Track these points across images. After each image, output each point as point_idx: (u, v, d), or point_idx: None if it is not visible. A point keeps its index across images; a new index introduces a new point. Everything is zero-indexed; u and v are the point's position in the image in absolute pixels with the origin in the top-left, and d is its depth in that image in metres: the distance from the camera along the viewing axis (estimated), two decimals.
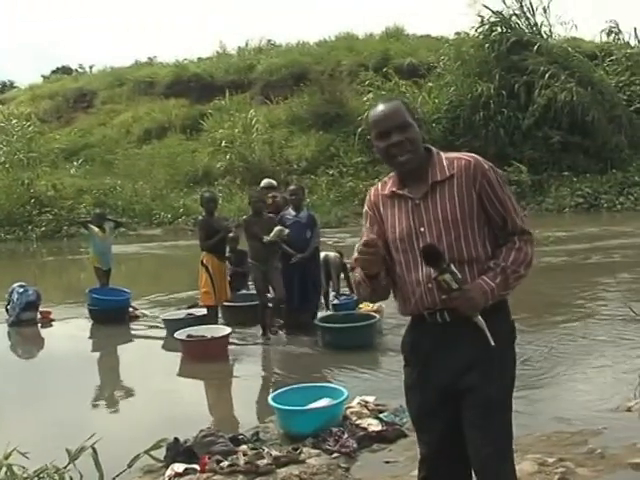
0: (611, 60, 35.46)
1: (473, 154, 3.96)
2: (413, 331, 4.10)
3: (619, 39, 37.00)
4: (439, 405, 3.95)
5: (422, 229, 3.88)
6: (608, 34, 37.24)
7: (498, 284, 3.79)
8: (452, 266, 3.70)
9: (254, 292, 13.90)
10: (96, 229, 14.91)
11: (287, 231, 11.72)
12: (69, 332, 13.67)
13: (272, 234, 11.57)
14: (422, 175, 3.91)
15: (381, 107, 3.95)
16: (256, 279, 12.16)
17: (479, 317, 3.73)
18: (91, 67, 58.94)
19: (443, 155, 3.97)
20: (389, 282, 4.07)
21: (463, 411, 3.88)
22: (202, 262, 12.13)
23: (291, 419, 7.41)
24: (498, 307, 3.88)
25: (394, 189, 4.01)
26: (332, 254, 13.18)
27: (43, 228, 31.38)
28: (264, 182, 14.57)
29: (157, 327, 13.29)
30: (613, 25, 36.89)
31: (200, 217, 12.51)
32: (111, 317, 13.77)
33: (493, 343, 3.71)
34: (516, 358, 4.06)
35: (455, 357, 3.87)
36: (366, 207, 4.22)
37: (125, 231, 29.79)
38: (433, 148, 4.02)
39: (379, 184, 4.19)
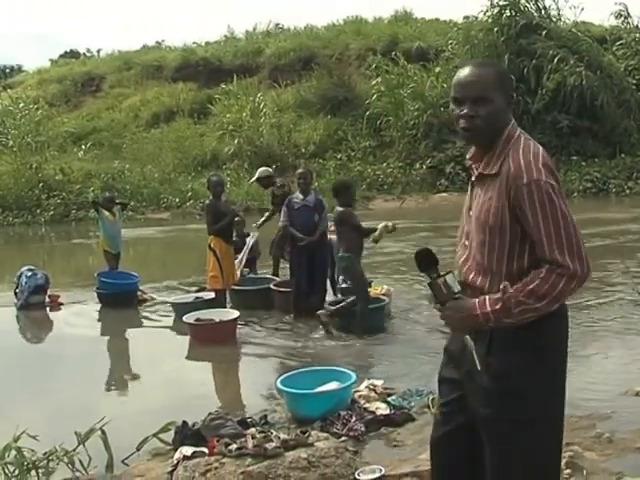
0: (620, 44, 35.27)
1: (526, 159, 3.45)
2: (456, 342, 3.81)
3: (628, 23, 36.79)
4: (455, 411, 3.75)
5: (471, 212, 3.64)
6: (617, 17, 37.03)
7: (496, 310, 3.38)
8: (449, 277, 3.45)
9: (262, 276, 13.97)
10: (106, 212, 14.91)
11: (391, 224, 11.50)
12: (78, 315, 13.67)
13: (377, 232, 11.36)
14: (486, 157, 3.59)
15: (465, 71, 3.60)
16: (356, 271, 11.69)
17: (467, 337, 3.47)
18: (99, 51, 58.95)
19: (512, 145, 3.54)
20: None
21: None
22: (210, 246, 12.12)
23: (299, 402, 7.43)
24: (517, 330, 3.43)
25: (469, 156, 3.76)
26: (335, 237, 13.11)
27: (51, 212, 31.34)
28: (264, 171, 14.63)
29: (165, 311, 13.31)
30: (622, 8, 36.69)
31: (207, 201, 12.45)
32: (120, 301, 13.78)
33: (479, 367, 3.43)
34: (548, 389, 3.56)
35: (464, 368, 3.62)
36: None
37: (133, 215, 29.84)
38: (507, 132, 3.59)
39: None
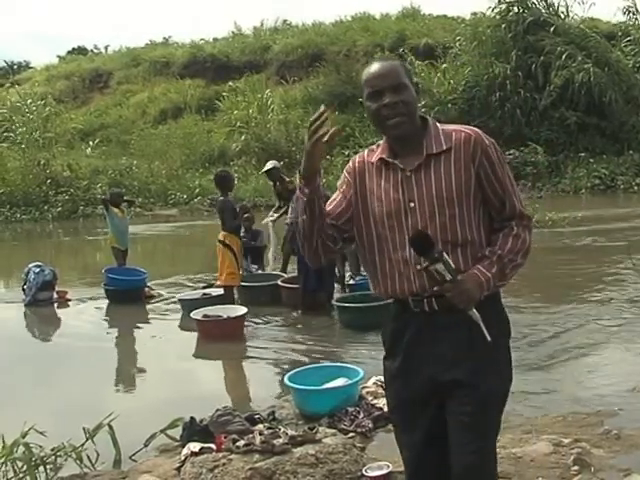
0: (628, 40, 35.23)
1: (473, 127, 3.63)
2: (396, 319, 3.75)
3: (637, 19, 36.72)
4: (423, 401, 3.63)
5: (412, 204, 3.53)
6: (625, 13, 36.97)
7: (494, 274, 3.46)
8: (445, 254, 3.36)
9: (270, 272, 14.00)
10: (115, 209, 14.93)
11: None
12: (85, 312, 13.70)
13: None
14: (415, 145, 3.56)
15: (376, 65, 3.62)
16: None
17: (474, 310, 3.39)
18: (106, 47, 59.20)
19: (440, 126, 3.62)
20: (334, 236, 3.70)
21: (449, 408, 3.57)
22: (224, 243, 12.06)
23: (307, 399, 7.43)
24: (492, 298, 3.56)
25: (383, 156, 3.66)
26: None
27: (59, 208, 31.47)
28: (274, 162, 14.79)
29: (173, 307, 13.32)
30: (631, 4, 36.62)
31: (221, 197, 12.34)
32: (127, 297, 13.82)
33: (489, 338, 3.37)
34: (511, 355, 3.69)
35: (442, 349, 3.53)
36: (345, 172, 3.87)
37: (141, 211, 29.92)
38: (429, 117, 3.67)
39: (365, 151, 3.86)
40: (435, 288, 3.41)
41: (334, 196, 3.85)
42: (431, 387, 3.59)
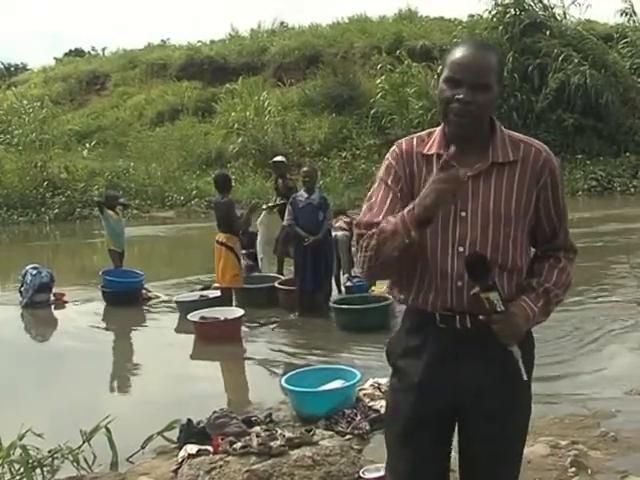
0: (625, 42, 35.29)
1: (542, 144, 3.29)
2: (413, 333, 3.40)
3: (634, 21, 36.78)
4: (435, 421, 3.35)
5: (463, 214, 3.18)
6: (622, 15, 37.02)
7: (540, 308, 3.19)
8: (499, 285, 3.07)
9: (267, 274, 14.01)
10: (110, 211, 14.93)
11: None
12: (82, 314, 13.69)
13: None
14: (478, 148, 3.21)
15: (469, 51, 3.19)
16: None
17: (516, 347, 3.11)
18: (104, 49, 59.11)
19: (507, 133, 3.28)
20: (415, 258, 3.23)
21: (473, 437, 3.35)
22: (226, 245, 12.03)
23: (304, 401, 7.44)
24: (529, 334, 3.30)
25: (441, 152, 3.21)
26: (340, 233, 13.06)
27: (56, 210, 31.43)
28: (283, 157, 14.99)
29: (170, 309, 13.32)
30: (628, 6, 36.68)
31: (224, 198, 12.26)
32: (124, 299, 13.81)
33: (526, 377, 3.15)
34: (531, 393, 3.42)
35: (469, 373, 3.25)
36: (392, 160, 3.37)
37: (138, 213, 29.93)
38: (497, 122, 3.29)
39: (414, 139, 3.38)
40: (481, 317, 3.10)
41: (385, 192, 3.35)
42: (449, 410, 3.35)
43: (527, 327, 3.19)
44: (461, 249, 3.21)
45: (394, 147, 3.41)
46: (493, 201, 3.17)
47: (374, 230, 3.21)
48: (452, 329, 3.24)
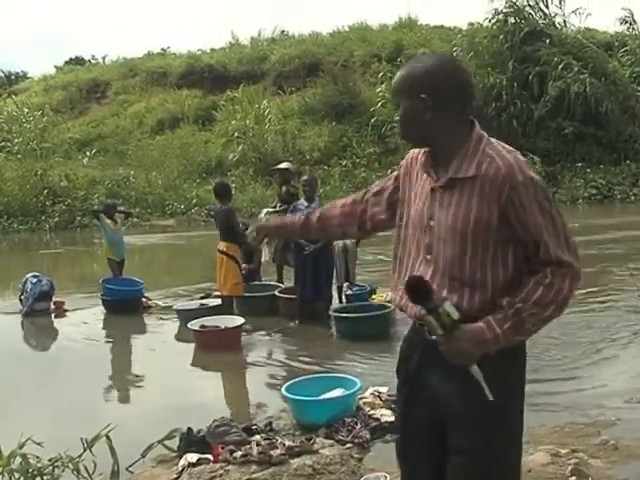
0: (625, 50, 35.34)
1: (514, 157, 3.17)
2: (406, 339, 3.56)
3: (633, 29, 36.84)
4: (426, 434, 3.41)
5: (432, 223, 3.26)
6: (622, 23, 37.08)
7: (506, 330, 3.08)
8: (446, 304, 3.04)
9: (267, 283, 14.01)
10: (108, 220, 14.94)
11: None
12: (82, 322, 13.67)
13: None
14: (448, 162, 3.25)
15: (400, 71, 3.41)
16: None
17: (475, 366, 3.09)
18: (104, 58, 59.23)
19: (482, 147, 3.24)
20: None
21: (448, 452, 3.32)
22: (227, 253, 12.01)
23: (304, 409, 7.43)
24: (510, 352, 3.22)
25: (423, 160, 3.39)
26: (349, 242, 13.07)
27: (56, 219, 31.47)
28: (289, 165, 15.09)
29: (170, 317, 13.31)
30: (627, 15, 36.73)
31: (224, 206, 12.23)
32: (124, 307, 13.80)
33: (491, 398, 3.08)
34: (523, 409, 3.38)
35: (440, 384, 3.30)
36: (402, 162, 3.61)
37: (138, 222, 29.94)
38: (474, 135, 3.30)
39: (423, 149, 3.49)
40: (431, 337, 3.12)
41: (384, 180, 3.75)
42: (433, 419, 3.37)
43: (486, 348, 3.10)
44: (429, 257, 3.31)
45: (410, 153, 3.60)
46: (452, 216, 3.20)
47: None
48: (427, 339, 3.21)
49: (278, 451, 6.02)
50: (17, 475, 5.86)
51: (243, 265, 12.88)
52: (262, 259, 14.27)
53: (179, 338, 12.07)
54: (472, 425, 3.21)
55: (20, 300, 14.49)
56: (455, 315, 3.05)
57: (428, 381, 3.35)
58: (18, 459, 5.87)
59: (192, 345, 11.20)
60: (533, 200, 3.11)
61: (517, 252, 3.20)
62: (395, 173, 3.64)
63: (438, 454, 3.37)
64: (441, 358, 3.15)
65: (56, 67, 59.13)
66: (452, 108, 3.27)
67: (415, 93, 3.23)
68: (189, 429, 6.78)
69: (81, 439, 6.26)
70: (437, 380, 3.30)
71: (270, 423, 7.29)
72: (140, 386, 10.06)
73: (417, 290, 3.07)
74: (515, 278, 3.19)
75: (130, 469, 6.56)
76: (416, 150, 3.51)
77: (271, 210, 14.88)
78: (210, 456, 6.22)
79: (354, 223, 3.77)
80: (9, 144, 35.71)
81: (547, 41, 33.01)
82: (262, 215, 14.84)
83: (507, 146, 3.25)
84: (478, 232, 3.15)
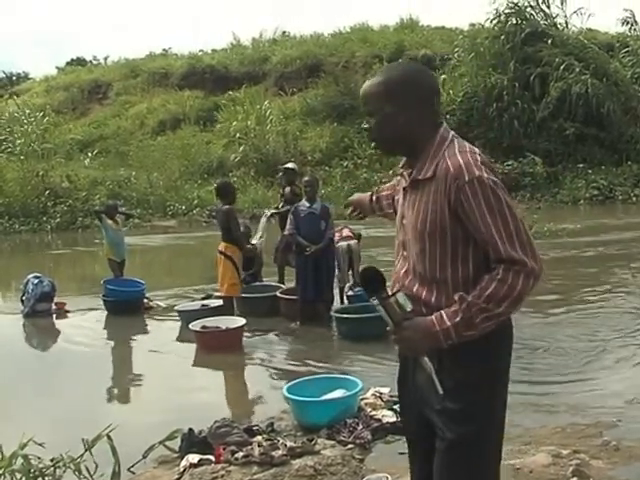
0: (627, 51, 35.34)
1: (465, 157, 3.23)
2: None
3: (635, 30, 36.84)
4: (418, 426, 3.53)
5: (404, 221, 3.44)
6: (624, 24, 37.09)
7: (457, 324, 3.14)
8: (399, 296, 3.18)
9: (268, 284, 14.00)
10: (109, 221, 14.94)
11: None
12: (84, 323, 13.67)
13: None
14: (415, 162, 3.40)
15: (371, 80, 3.50)
16: None
17: (425, 359, 3.20)
18: (105, 58, 59.28)
19: (444, 148, 3.33)
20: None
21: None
22: (225, 254, 12.03)
23: (306, 410, 7.42)
24: (465, 347, 3.22)
25: (401, 164, 3.58)
26: (353, 242, 13.04)
27: (58, 219, 31.44)
28: (295, 165, 15.15)
29: (172, 318, 13.31)
30: (629, 15, 36.73)
31: (225, 207, 12.22)
32: (126, 308, 13.80)
33: (441, 391, 3.19)
34: (494, 405, 3.41)
35: (420, 379, 3.40)
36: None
37: (139, 222, 29.92)
38: (438, 137, 3.38)
39: None
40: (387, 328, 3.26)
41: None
42: (418, 416, 3.49)
43: (436, 341, 3.19)
44: (405, 253, 3.48)
45: None
46: (414, 216, 3.35)
47: None
48: None
49: (279, 452, 6.02)
50: (19, 476, 5.85)
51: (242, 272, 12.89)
52: (256, 240, 14.23)
53: (180, 339, 12.06)
54: (447, 416, 3.31)
55: (21, 301, 14.48)
56: (408, 307, 3.17)
57: (419, 381, 3.43)
58: (20, 460, 5.86)
59: (193, 346, 11.19)
60: (480, 199, 3.16)
61: (477, 250, 3.26)
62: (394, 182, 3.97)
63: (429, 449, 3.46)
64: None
65: (57, 68, 59.32)
66: (423, 111, 3.39)
67: (391, 97, 3.36)
68: (190, 430, 6.77)
69: (82, 440, 6.26)
70: (421, 378, 3.38)
71: (271, 424, 7.28)
72: (141, 386, 10.07)
73: (370, 281, 3.23)
74: (478, 276, 3.24)
75: (131, 470, 6.56)
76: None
77: (274, 211, 14.90)
78: (212, 457, 6.22)
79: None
80: (11, 145, 35.67)
81: (548, 42, 33.02)
82: (264, 217, 14.88)
83: (466, 146, 3.35)
84: (434, 232, 3.27)
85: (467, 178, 3.17)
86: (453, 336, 3.16)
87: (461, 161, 3.22)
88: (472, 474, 3.37)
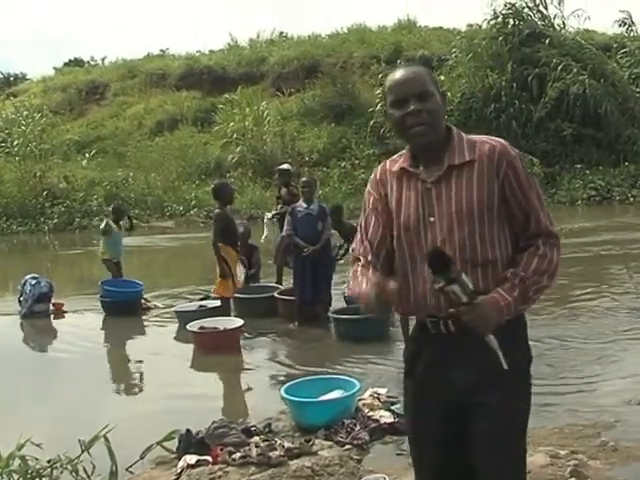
0: (624, 52, 35.33)
1: (499, 139, 3.44)
2: (414, 340, 3.64)
3: (632, 30, 36.84)
4: (442, 424, 3.49)
5: (432, 219, 3.39)
6: (621, 25, 37.08)
7: (516, 298, 3.28)
8: (463, 275, 3.19)
9: (266, 284, 13.99)
10: (114, 225, 14.95)
11: None
12: (81, 324, 13.69)
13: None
14: (438, 156, 3.40)
15: (400, 71, 3.46)
16: None
17: (491, 336, 3.21)
18: (103, 59, 59.19)
19: (465, 137, 3.47)
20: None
21: (475, 431, 3.40)
22: (219, 254, 12.02)
23: (303, 411, 7.42)
24: (514, 322, 3.37)
25: (405, 166, 3.50)
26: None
27: (55, 220, 31.40)
28: (289, 166, 15.15)
29: (169, 319, 13.31)
30: (626, 16, 36.74)
31: (217, 209, 12.29)
32: (123, 309, 13.80)
33: (506, 366, 3.20)
34: (531, 382, 3.56)
35: (461, 374, 3.39)
36: (369, 187, 3.68)
37: (137, 223, 29.90)
38: (454, 128, 3.50)
39: (387, 161, 3.66)
40: (451, 310, 3.25)
41: (368, 218, 3.67)
42: (449, 414, 3.46)
43: (502, 316, 3.27)
44: (419, 269, 3.46)
45: (372, 175, 3.71)
46: (455, 202, 3.36)
47: (355, 268, 3.61)
48: (440, 334, 3.42)
49: (277, 452, 6.02)
50: (16, 476, 5.85)
51: (243, 270, 12.90)
52: (262, 237, 14.32)
53: (178, 339, 12.07)
54: (505, 390, 3.35)
55: (19, 301, 14.48)
56: (471, 285, 3.21)
57: (443, 371, 3.45)
58: (17, 460, 5.86)
59: (191, 346, 11.20)
60: (524, 173, 3.40)
61: (512, 230, 3.43)
62: (370, 203, 3.67)
63: (453, 438, 3.49)
64: (456, 344, 3.38)
65: (55, 68, 59.12)
66: (442, 100, 3.50)
67: (433, 80, 3.47)
68: (188, 430, 6.78)
69: (79, 440, 6.26)
70: (454, 366, 3.42)
71: (269, 424, 7.29)
72: (139, 387, 10.09)
73: (439, 260, 3.20)
74: (513, 255, 3.42)
75: (129, 470, 6.56)
76: (378, 170, 3.68)
77: (274, 213, 14.90)
78: (209, 457, 6.22)
79: None
80: (8, 145, 35.65)
81: (546, 43, 32.99)
82: (266, 219, 14.93)
83: None
84: (484, 211, 3.34)
85: (513, 153, 3.39)
86: (512, 310, 3.30)
87: (502, 141, 3.42)
88: (521, 454, 3.53)
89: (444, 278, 3.18)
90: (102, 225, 15.17)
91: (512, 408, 3.41)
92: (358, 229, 3.72)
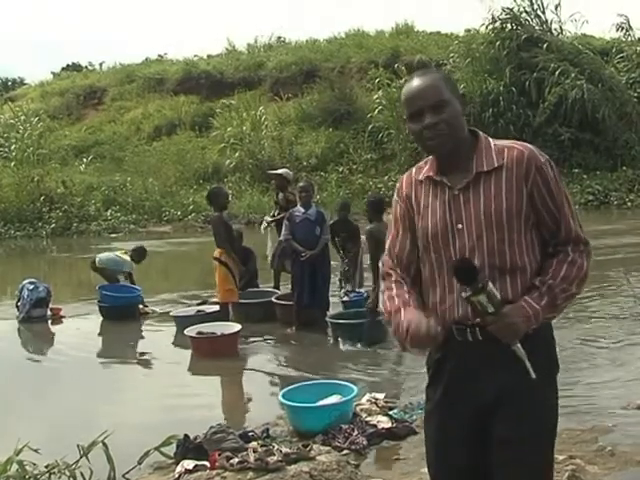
0: (621, 57, 35.33)
1: (528, 144, 3.41)
2: (439, 347, 3.48)
3: (629, 35, 36.84)
4: (464, 434, 3.44)
5: (460, 226, 3.35)
6: (618, 30, 37.07)
7: (544, 306, 3.25)
8: (490, 285, 3.15)
9: (264, 289, 13.99)
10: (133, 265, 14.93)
11: None
12: (79, 329, 13.68)
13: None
14: (465, 162, 3.38)
15: (415, 82, 3.40)
16: None
17: (518, 345, 3.20)
18: (101, 64, 59.05)
19: (492, 142, 3.42)
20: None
21: (499, 440, 3.34)
22: (220, 260, 12.05)
23: (301, 416, 7.43)
24: (542, 331, 3.36)
25: (430, 174, 3.47)
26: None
27: (53, 225, 31.37)
28: (286, 171, 15.12)
29: (167, 324, 13.30)
30: (624, 21, 36.73)
31: (215, 214, 12.36)
32: (121, 314, 13.80)
33: (534, 375, 3.19)
34: (558, 391, 3.50)
35: (486, 383, 3.36)
36: (396, 197, 3.66)
37: (135, 228, 29.97)
38: (481, 133, 3.50)
39: (413, 169, 3.64)
40: (478, 319, 3.25)
41: (396, 231, 3.66)
42: (472, 425, 3.43)
43: (530, 325, 3.24)
44: (447, 279, 3.43)
45: (398, 183, 3.69)
46: (483, 209, 3.32)
47: (388, 285, 3.61)
48: (466, 342, 3.38)
49: (275, 458, 6.01)
50: None
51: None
52: (267, 251, 14.36)
53: (176, 344, 12.07)
54: (530, 397, 3.32)
55: (17, 306, 14.47)
56: (498, 295, 3.19)
57: (468, 378, 3.42)
58: (15, 466, 5.86)
59: (189, 351, 11.20)
60: (556, 180, 3.38)
61: (539, 237, 3.39)
62: (397, 213, 3.66)
63: (475, 449, 3.45)
64: (482, 352, 3.34)
65: (53, 73, 59.16)
66: (462, 105, 3.44)
67: (450, 88, 3.41)
68: (186, 436, 6.77)
69: (77, 446, 6.25)
70: (481, 373, 3.39)
71: (267, 430, 7.29)
72: (136, 392, 10.06)
73: (466, 270, 3.20)
74: (540, 263, 3.38)
75: (127, 476, 6.55)
76: (404, 179, 3.66)
77: (269, 219, 14.90)
78: (207, 463, 6.21)
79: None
80: (6, 150, 35.64)
81: (544, 47, 32.99)
82: (264, 224, 14.93)
83: None
84: (513, 217, 3.31)
85: (542, 159, 3.36)
86: (540, 319, 3.28)
87: (530, 147, 3.39)
88: (547, 466, 3.49)
89: (471, 288, 3.17)
90: (126, 268, 14.95)
91: (539, 417, 3.38)
92: (387, 242, 3.71)
